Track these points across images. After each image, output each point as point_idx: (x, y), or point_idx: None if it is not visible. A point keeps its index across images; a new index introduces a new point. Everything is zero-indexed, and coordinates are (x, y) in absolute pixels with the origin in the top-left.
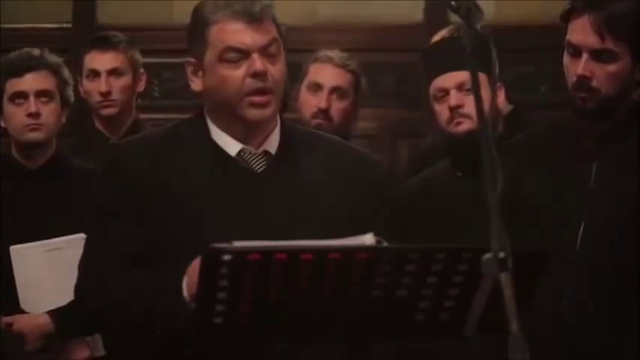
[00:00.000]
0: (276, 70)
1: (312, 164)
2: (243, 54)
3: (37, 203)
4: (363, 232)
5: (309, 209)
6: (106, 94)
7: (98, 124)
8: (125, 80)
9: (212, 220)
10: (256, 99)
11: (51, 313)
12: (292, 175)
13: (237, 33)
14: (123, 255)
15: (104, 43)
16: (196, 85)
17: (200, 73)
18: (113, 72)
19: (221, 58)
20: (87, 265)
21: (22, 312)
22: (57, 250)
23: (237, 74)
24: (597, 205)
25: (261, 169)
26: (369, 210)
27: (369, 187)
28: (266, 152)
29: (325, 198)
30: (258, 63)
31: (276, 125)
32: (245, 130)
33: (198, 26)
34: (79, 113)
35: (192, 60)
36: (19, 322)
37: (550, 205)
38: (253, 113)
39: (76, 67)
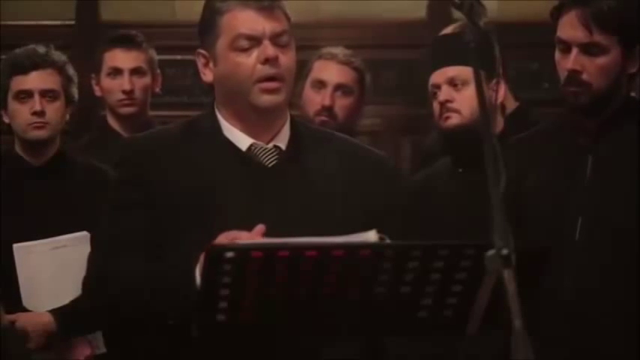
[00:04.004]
0: (287, 59)
1: (323, 160)
2: (255, 41)
3: (40, 200)
4: (375, 227)
5: (319, 204)
6: (129, 93)
7: (113, 123)
8: (146, 80)
9: (223, 214)
10: (267, 85)
11: (53, 311)
12: (303, 171)
13: (249, 20)
14: (134, 246)
15: (128, 42)
16: (207, 76)
17: (211, 64)
18: (136, 71)
19: (232, 46)
20: (98, 256)
21: (25, 310)
22: (62, 247)
23: (248, 61)
24: (594, 196)
25: (271, 164)
26: (381, 206)
27: (379, 184)
28: (276, 147)
29: (335, 194)
30: (269, 49)
31: (286, 121)
32: (256, 121)
33: (209, 16)
34: (88, 112)
35: (203, 51)
36: (21, 320)
37: (550, 199)
38: (265, 99)
39: (80, 64)
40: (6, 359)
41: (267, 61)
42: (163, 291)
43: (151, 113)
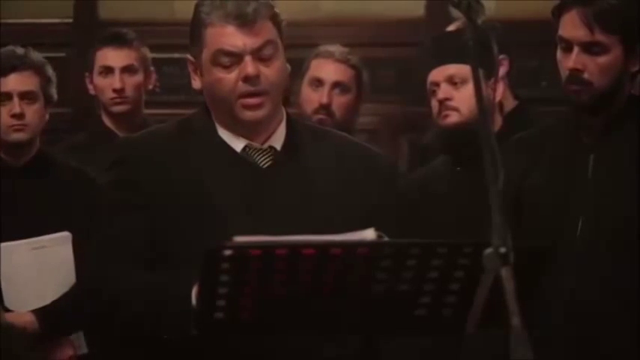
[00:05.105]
0: (271, 72)
1: (320, 159)
2: (236, 57)
3: (20, 201)
4: (372, 226)
5: (315, 203)
6: (120, 91)
7: (107, 122)
8: (138, 78)
9: (220, 216)
10: (248, 101)
11: (35, 311)
12: (298, 170)
13: (229, 37)
14: (132, 249)
15: (119, 40)
16: (196, 83)
17: (199, 72)
18: (127, 69)
19: (214, 61)
20: (95, 260)
21: (6, 310)
22: (42, 248)
23: (229, 77)
24: (595, 195)
25: (266, 165)
26: (378, 204)
27: (377, 182)
28: (271, 148)
29: (332, 192)
30: (249, 67)
31: (281, 121)
32: (245, 129)
33: (196, 27)
34: (84, 111)
35: (191, 59)
36: None
37: (551, 198)
38: (247, 115)
39: (79, 62)
40: (6, 358)
41: (247, 79)
42: (159, 309)
43: (150, 112)
